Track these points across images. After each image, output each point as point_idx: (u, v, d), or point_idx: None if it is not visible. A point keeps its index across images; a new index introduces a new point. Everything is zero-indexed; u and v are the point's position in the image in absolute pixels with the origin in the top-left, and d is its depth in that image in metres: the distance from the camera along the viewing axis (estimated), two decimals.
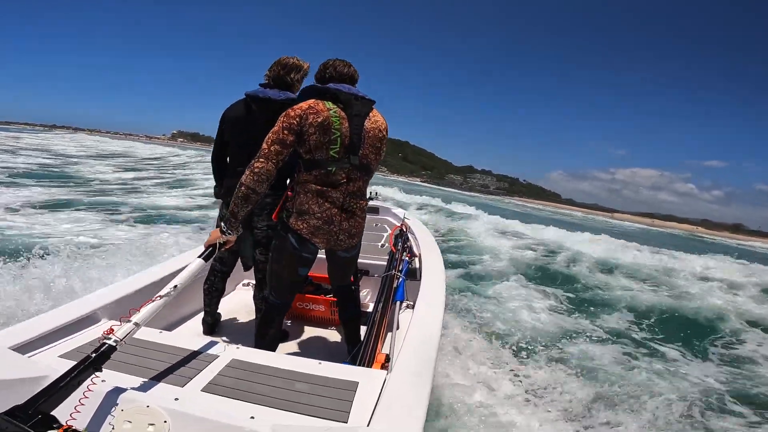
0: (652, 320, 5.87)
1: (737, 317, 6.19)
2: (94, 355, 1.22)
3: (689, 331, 5.62)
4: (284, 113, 1.87)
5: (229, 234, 1.83)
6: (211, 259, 1.84)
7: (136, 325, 1.37)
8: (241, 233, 1.96)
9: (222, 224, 1.83)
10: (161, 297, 1.50)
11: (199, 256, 1.76)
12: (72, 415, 1.12)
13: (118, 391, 1.28)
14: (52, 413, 1.03)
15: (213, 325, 2.64)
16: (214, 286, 2.55)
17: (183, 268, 2.46)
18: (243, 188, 1.79)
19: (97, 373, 1.23)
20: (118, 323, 1.83)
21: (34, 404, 1.01)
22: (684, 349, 4.95)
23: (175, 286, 1.56)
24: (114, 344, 1.27)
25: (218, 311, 2.67)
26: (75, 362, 1.43)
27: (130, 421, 1.20)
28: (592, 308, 6.17)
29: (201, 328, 2.62)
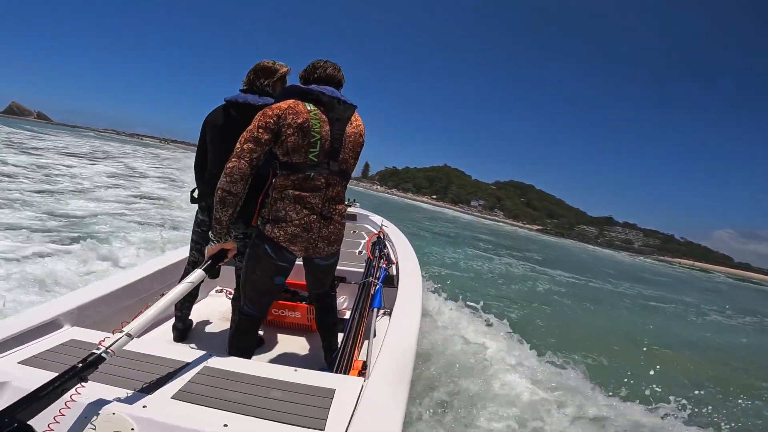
0: None
1: None
2: (81, 365, 1.19)
3: None
4: (261, 111, 1.82)
5: (217, 241, 1.80)
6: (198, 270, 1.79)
7: (129, 336, 1.33)
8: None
9: (210, 233, 1.81)
10: (154, 307, 1.47)
11: (200, 267, 1.74)
12: (49, 425, 1.11)
13: (85, 399, 1.25)
14: (29, 423, 1.01)
15: (184, 332, 2.59)
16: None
17: (149, 275, 2.54)
18: (219, 191, 1.75)
19: (83, 384, 1.20)
20: (83, 329, 1.85)
21: (11, 413, 0.99)
22: None
23: (163, 294, 1.54)
24: (104, 355, 1.25)
25: (190, 317, 2.63)
26: (36, 369, 1.46)
27: (94, 428, 1.18)
28: None
29: (171, 335, 2.57)
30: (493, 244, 23.38)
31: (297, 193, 1.83)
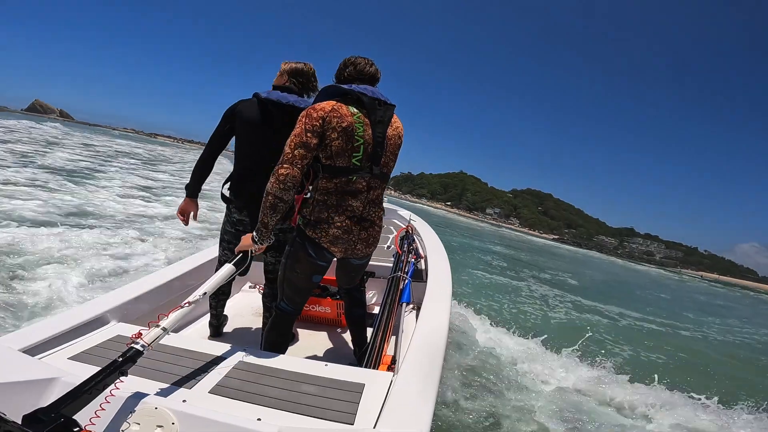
0: None
1: None
2: (121, 359, 1.23)
3: None
4: (305, 114, 1.77)
5: (261, 243, 1.80)
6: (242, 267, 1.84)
7: (164, 330, 1.38)
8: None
9: (254, 233, 1.81)
10: (190, 303, 1.51)
11: (230, 262, 1.77)
12: (91, 419, 1.15)
13: (126, 393, 1.30)
14: (74, 417, 1.04)
15: (219, 328, 2.66)
16: (220, 288, 2.49)
17: (189, 272, 2.62)
18: (270, 197, 1.72)
19: (122, 378, 1.23)
20: (128, 325, 1.93)
21: (57, 407, 1.03)
22: None
23: (204, 293, 1.58)
24: (141, 349, 1.29)
25: (224, 313, 2.69)
26: (84, 364, 1.52)
27: (138, 423, 1.21)
28: None
29: (207, 331, 2.64)
30: (510, 260, 18.57)
31: (339, 195, 1.83)
